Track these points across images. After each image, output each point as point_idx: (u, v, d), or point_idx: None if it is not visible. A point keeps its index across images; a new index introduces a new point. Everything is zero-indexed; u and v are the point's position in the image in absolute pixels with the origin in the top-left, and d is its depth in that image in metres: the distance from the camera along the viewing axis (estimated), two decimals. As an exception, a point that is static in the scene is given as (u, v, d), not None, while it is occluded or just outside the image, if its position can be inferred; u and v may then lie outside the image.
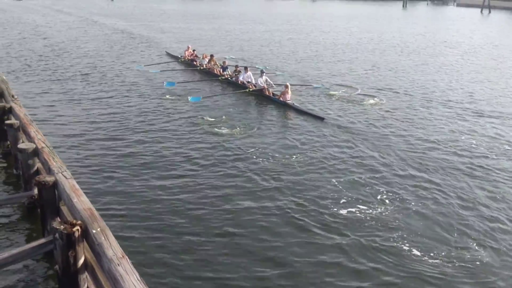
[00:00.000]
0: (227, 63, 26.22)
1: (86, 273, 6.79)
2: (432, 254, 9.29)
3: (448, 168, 13.65)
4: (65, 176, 7.87)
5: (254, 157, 13.95)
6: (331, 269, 8.78)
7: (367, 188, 12.11)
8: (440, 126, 17.82)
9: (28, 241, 8.96)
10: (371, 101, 21.05)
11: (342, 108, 19.91)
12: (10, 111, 12.68)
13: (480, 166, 13.90)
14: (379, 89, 23.65)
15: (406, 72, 29.14)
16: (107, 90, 22.09)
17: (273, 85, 21.79)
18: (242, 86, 22.70)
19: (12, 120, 11.77)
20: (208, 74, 26.60)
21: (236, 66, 24.85)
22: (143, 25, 53.45)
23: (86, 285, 6.81)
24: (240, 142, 15.28)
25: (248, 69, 23.83)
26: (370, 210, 10.90)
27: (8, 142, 12.66)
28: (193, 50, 30.45)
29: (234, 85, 23.64)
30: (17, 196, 10.56)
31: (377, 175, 12.94)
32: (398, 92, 23.13)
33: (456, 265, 8.98)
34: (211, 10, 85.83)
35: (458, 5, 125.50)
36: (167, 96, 21.07)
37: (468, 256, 9.30)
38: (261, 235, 9.78)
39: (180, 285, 8.25)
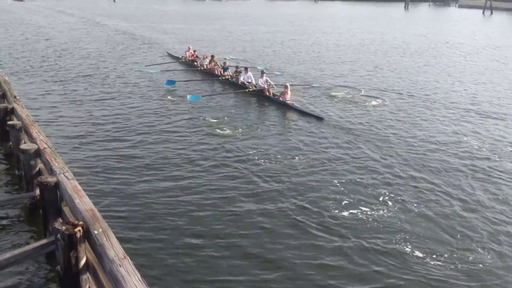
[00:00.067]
0: (227, 63, 26.29)
1: (87, 274, 6.80)
2: (434, 256, 9.26)
3: (451, 170, 13.61)
4: (67, 177, 7.89)
5: (256, 158, 13.94)
6: (333, 271, 8.74)
7: (369, 189, 12.09)
8: (442, 127, 17.78)
9: (30, 241, 8.97)
10: (373, 102, 21.03)
11: (344, 109, 19.90)
12: (12, 112, 12.71)
13: (483, 168, 13.86)
14: (381, 90, 23.63)
15: (409, 73, 29.09)
16: (109, 91, 22.12)
17: (274, 85, 21.84)
18: (242, 86, 22.78)
19: (14, 121, 11.80)
20: (208, 74, 26.69)
21: (237, 67, 24.91)
22: (145, 26, 53.53)
23: (87, 286, 6.81)
24: (240, 143, 15.27)
25: (249, 69, 23.91)
26: (372, 212, 10.88)
27: (10, 143, 12.69)
28: (194, 51, 30.55)
29: (234, 85, 23.72)
30: (19, 196, 10.57)
31: (379, 177, 12.91)
32: (400, 93, 23.10)
33: (459, 267, 8.95)
34: (212, 11, 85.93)
35: (460, 6, 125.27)
36: (169, 97, 21.12)
37: (471, 258, 9.26)
38: (262, 237, 9.76)
39: (181, 286, 8.24)
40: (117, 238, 6.20)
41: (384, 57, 35.92)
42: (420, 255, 9.28)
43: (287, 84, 20.99)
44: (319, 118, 18.30)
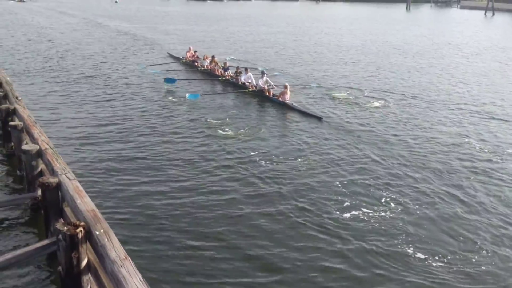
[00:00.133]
0: (228, 64, 26.43)
1: (89, 275, 6.80)
2: (437, 258, 9.24)
3: (453, 171, 13.59)
4: (68, 178, 7.89)
5: (257, 159, 13.94)
6: (334, 274, 8.71)
7: (371, 191, 12.07)
8: (444, 128, 17.76)
9: (31, 242, 8.96)
10: (376, 103, 21.02)
11: (346, 110, 19.90)
12: (14, 112, 12.73)
13: (485, 170, 13.83)
14: (383, 91, 23.62)
15: (411, 74, 29.08)
16: (110, 92, 22.15)
17: (274, 86, 21.93)
18: (242, 87, 22.92)
19: (16, 122, 11.82)
20: (209, 74, 26.86)
21: (237, 68, 25.02)
22: (146, 27, 53.58)
23: (89, 287, 6.81)
24: (240, 144, 15.28)
25: (249, 70, 24.08)
26: (374, 214, 10.86)
27: (12, 143, 12.70)
28: (195, 51, 30.70)
29: (235, 85, 23.88)
30: (20, 197, 10.58)
31: (380, 178, 12.89)
32: (402, 95, 23.08)
33: (461, 269, 8.92)
34: (214, 12, 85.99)
35: (462, 7, 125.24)
36: (170, 98, 21.17)
37: (474, 260, 9.23)
38: (264, 239, 9.72)
39: (182, 287, 8.25)
40: (118, 238, 6.21)
41: (386, 58, 35.91)
42: (422, 256, 9.27)
43: (287, 84, 21.10)
44: (318, 118, 18.43)
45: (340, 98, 22.01)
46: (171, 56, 33.15)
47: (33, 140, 10.46)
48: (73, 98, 20.72)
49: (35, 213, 10.05)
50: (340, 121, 18.14)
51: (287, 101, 20.24)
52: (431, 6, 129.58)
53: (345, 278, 8.61)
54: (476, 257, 9.35)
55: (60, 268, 6.94)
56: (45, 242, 7.69)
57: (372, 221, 10.53)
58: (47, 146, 9.61)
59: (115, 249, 5.85)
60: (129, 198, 11.27)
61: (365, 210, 11.00)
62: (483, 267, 9.04)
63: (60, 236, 6.49)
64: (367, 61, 34.14)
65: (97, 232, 6.23)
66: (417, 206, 11.30)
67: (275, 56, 35.27)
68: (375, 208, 11.13)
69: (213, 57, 27.76)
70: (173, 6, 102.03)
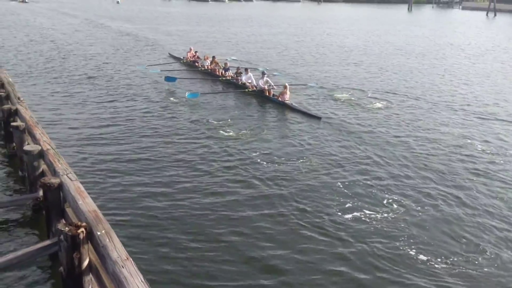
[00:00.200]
0: (228, 64, 26.59)
1: (90, 275, 6.80)
2: (439, 260, 9.24)
3: (455, 173, 13.58)
4: (70, 178, 7.90)
5: (258, 160, 13.94)
6: (336, 277, 8.68)
7: (373, 192, 12.07)
8: (446, 130, 17.75)
9: (33, 242, 8.97)
10: (378, 104, 21.02)
11: (347, 111, 19.91)
12: (16, 113, 12.74)
13: (488, 171, 13.82)
14: (385, 92, 23.62)
15: (413, 75, 29.05)
16: (112, 93, 22.17)
17: (274, 86, 22.03)
18: (242, 87, 23.08)
19: (18, 122, 11.84)
20: (209, 74, 27.00)
21: (238, 68, 25.16)
22: (148, 28, 53.58)
23: (90, 287, 6.81)
24: (241, 145, 15.28)
25: (249, 70, 24.25)
26: (376, 215, 10.86)
27: (14, 144, 12.72)
28: (195, 52, 30.84)
29: (235, 85, 24.03)
30: (22, 198, 10.60)
31: (382, 179, 12.90)
32: (405, 96, 23.07)
33: (463, 272, 8.91)
34: (216, 13, 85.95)
35: (464, 8, 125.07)
36: (171, 99, 21.19)
37: (476, 263, 9.22)
38: (265, 241, 9.69)
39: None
40: (119, 239, 6.21)
41: (388, 59, 35.89)
42: (424, 258, 9.26)
43: (286, 84, 21.25)
44: (317, 118, 18.56)
45: (342, 99, 22.02)
46: (172, 56, 33.25)
47: (35, 140, 10.47)
48: (75, 99, 20.74)
49: (37, 214, 10.06)
50: (342, 122, 18.14)
51: (287, 101, 20.39)
52: (432, 7, 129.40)
53: (347, 281, 8.59)
54: (478, 260, 9.34)
55: (61, 268, 6.95)
56: (47, 242, 7.70)
57: (374, 222, 10.52)
58: (49, 147, 9.62)
59: (117, 250, 5.85)
60: (131, 199, 11.28)
61: (367, 211, 10.99)
62: (485, 269, 9.03)
63: (61, 237, 6.50)
64: (369, 62, 34.12)
65: (99, 233, 6.24)
66: (419, 208, 11.30)
67: (277, 57, 35.26)
68: (377, 209, 11.12)
69: (213, 57, 27.92)
70: (175, 7, 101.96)
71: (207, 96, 21.68)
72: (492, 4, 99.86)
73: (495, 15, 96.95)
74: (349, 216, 10.78)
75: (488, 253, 9.56)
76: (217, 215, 10.69)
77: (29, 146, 10.06)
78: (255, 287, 8.37)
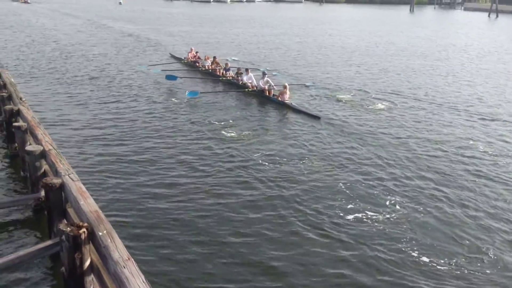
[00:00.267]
0: (229, 65, 26.74)
1: (92, 275, 6.81)
2: (442, 261, 9.20)
3: (458, 174, 13.54)
4: (72, 179, 7.91)
5: (260, 161, 13.93)
6: (338, 279, 8.64)
7: (374, 194, 12.04)
8: (449, 131, 17.71)
9: (34, 243, 8.98)
10: (379, 105, 21.00)
11: (349, 112, 19.90)
12: (18, 113, 12.77)
13: (491, 173, 13.76)
14: (387, 93, 23.59)
15: (415, 76, 29.02)
16: (114, 93, 22.19)
17: (274, 86, 22.13)
18: (242, 86, 23.22)
19: (20, 123, 11.85)
20: (210, 74, 27.18)
21: (238, 69, 25.30)
22: (150, 29, 53.65)
23: (92, 287, 6.82)
24: (242, 146, 15.26)
25: (249, 70, 24.38)
26: (378, 217, 10.82)
27: (16, 144, 12.74)
28: (196, 52, 31.02)
29: (235, 85, 24.19)
30: (24, 198, 10.61)
31: (384, 181, 12.86)
32: (407, 97, 23.03)
33: (466, 274, 8.87)
34: (218, 14, 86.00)
35: (465, 9, 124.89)
36: (173, 99, 21.24)
37: (479, 265, 9.18)
38: (266, 244, 9.64)
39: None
40: (121, 239, 6.21)
41: (391, 60, 35.87)
42: (427, 260, 9.23)
43: (286, 84, 21.41)
44: (316, 117, 18.66)
45: (343, 99, 22.01)
46: (173, 57, 33.42)
47: (37, 141, 10.49)
48: (76, 99, 20.77)
49: (38, 214, 10.07)
50: (344, 123, 18.13)
51: (286, 101, 20.57)
52: (434, 8, 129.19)
53: (349, 283, 8.55)
54: (481, 262, 9.30)
55: (63, 269, 6.95)
56: (48, 243, 7.69)
57: (376, 224, 10.49)
58: (50, 147, 9.63)
59: (118, 250, 5.85)
60: (132, 199, 11.29)
61: (369, 213, 10.96)
62: (488, 271, 8.99)
63: (63, 237, 6.50)
64: (371, 62, 34.10)
65: (100, 233, 6.24)
66: (421, 209, 11.27)
67: (279, 57, 35.27)
68: (379, 211, 11.08)
69: (214, 57, 28.17)
70: (177, 7, 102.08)
71: (207, 96, 21.75)
72: (494, 5, 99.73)
73: (497, 16, 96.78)
74: (351, 218, 10.75)
75: (491, 255, 9.52)
76: (219, 216, 10.68)
77: (31, 147, 10.08)
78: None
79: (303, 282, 8.52)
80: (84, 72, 27.07)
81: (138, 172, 12.92)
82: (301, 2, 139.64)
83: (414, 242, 9.85)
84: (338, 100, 21.88)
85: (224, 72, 26.01)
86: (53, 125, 16.61)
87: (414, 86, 25.75)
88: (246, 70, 24.21)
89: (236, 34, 50.74)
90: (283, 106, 20.45)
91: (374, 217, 10.78)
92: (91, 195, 7.41)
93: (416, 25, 72.43)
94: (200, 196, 11.57)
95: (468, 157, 15.00)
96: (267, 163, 13.76)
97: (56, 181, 8.00)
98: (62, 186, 7.96)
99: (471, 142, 16.43)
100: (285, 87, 20.92)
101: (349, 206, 11.26)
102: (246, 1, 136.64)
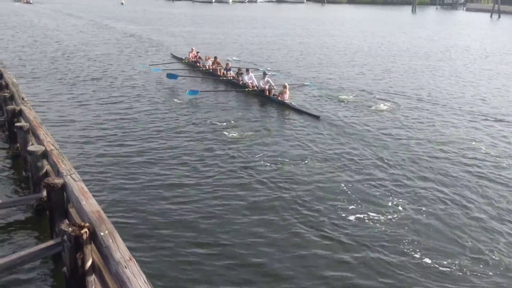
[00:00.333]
0: (230, 65, 26.87)
1: (93, 276, 6.81)
2: (445, 263, 9.17)
3: (460, 176, 13.50)
4: (73, 179, 7.91)
5: (261, 162, 13.91)
6: (339, 281, 8.62)
7: (376, 195, 12.01)
8: (451, 132, 17.68)
9: (36, 243, 8.99)
10: (381, 106, 20.97)
11: (351, 112, 19.88)
12: (20, 113, 12.79)
13: (494, 174, 13.71)
14: (390, 94, 23.57)
15: (418, 77, 28.96)
16: (116, 94, 22.21)
17: (274, 87, 22.19)
18: (243, 86, 23.36)
19: (22, 123, 11.87)
20: (211, 74, 27.33)
21: (239, 69, 25.41)
22: (152, 29, 53.70)
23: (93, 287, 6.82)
24: (244, 147, 15.28)
25: (250, 70, 24.52)
26: (379, 219, 10.79)
27: (18, 144, 12.75)
28: (197, 52, 31.14)
29: (235, 85, 24.33)
30: (26, 198, 10.62)
31: (386, 182, 12.84)
32: (409, 97, 23.00)
33: (468, 275, 8.85)
34: (220, 14, 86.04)
35: (468, 9, 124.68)
36: (175, 100, 21.28)
37: (481, 267, 9.15)
38: (266, 246, 9.61)
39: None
40: (123, 239, 6.21)
41: (393, 60, 35.84)
42: (429, 261, 9.20)
43: (286, 84, 21.55)
44: (315, 117, 18.80)
45: (346, 100, 21.99)
46: (174, 57, 33.57)
47: (39, 141, 10.50)
48: (78, 100, 20.80)
49: (40, 214, 10.07)
50: (346, 123, 18.10)
51: (286, 100, 20.70)
52: (436, 8, 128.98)
53: (351, 285, 8.53)
54: (483, 264, 9.27)
55: (64, 269, 6.96)
56: (50, 243, 7.70)
57: (378, 225, 10.46)
58: (52, 147, 9.64)
59: (120, 250, 5.86)
60: (134, 200, 11.29)
61: (371, 214, 10.93)
62: (490, 273, 8.96)
63: (65, 237, 6.51)
64: (374, 63, 34.06)
65: (102, 233, 6.24)
66: (424, 210, 11.24)
67: (282, 58, 35.25)
68: (381, 212, 11.05)
69: (215, 58, 28.32)
70: (179, 8, 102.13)
71: (208, 96, 21.86)
72: (496, 5, 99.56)
73: (499, 16, 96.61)
74: (352, 219, 10.71)
75: (493, 257, 9.48)
76: (220, 217, 10.67)
77: (33, 147, 10.09)
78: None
79: (305, 284, 8.49)
80: (86, 73, 27.11)
81: (140, 173, 12.92)
82: (303, 2, 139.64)
83: (416, 243, 9.82)
84: (341, 101, 21.88)
85: (225, 72, 26.15)
86: (55, 125, 16.63)
87: (416, 87, 25.71)
88: (247, 70, 24.31)
89: (238, 35, 50.75)
90: (283, 106, 20.57)
91: (376, 218, 10.75)
92: (93, 195, 7.41)
93: (418, 26, 72.35)
94: (202, 197, 11.57)
95: (470, 158, 14.96)
96: (268, 164, 13.75)
97: (58, 181, 8.01)
98: (64, 186, 7.97)
99: (474, 143, 16.39)
100: (285, 86, 21.07)
101: (350, 208, 11.24)
102: (248, 1, 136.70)
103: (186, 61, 30.63)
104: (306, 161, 14.06)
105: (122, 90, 22.87)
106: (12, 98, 14.38)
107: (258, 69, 27.78)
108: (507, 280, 8.79)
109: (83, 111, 19.01)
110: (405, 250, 9.55)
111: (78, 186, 7.60)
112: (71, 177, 8.00)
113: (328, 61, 34.46)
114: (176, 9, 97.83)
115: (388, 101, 21.95)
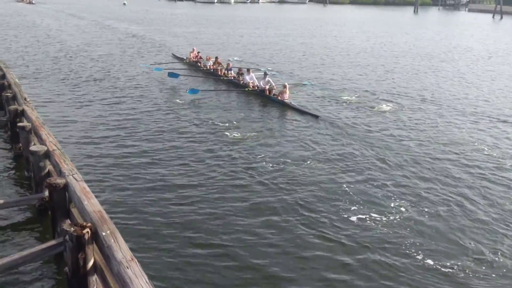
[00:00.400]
0: (231, 65, 26.98)
1: (95, 276, 6.80)
2: (447, 265, 9.14)
3: (463, 177, 13.47)
4: (75, 179, 7.91)
5: (263, 163, 13.89)
6: (339, 283, 8.58)
7: (378, 197, 11.98)
8: (454, 133, 17.64)
9: (38, 243, 8.98)
10: (383, 106, 20.95)
11: (352, 112, 19.86)
12: (22, 113, 12.80)
13: (496, 176, 13.67)
14: (392, 94, 23.54)
15: (420, 78, 28.93)
16: (118, 94, 22.23)
17: (275, 87, 22.26)
18: (243, 86, 23.48)
19: (24, 123, 11.88)
20: (211, 74, 27.43)
21: (240, 69, 25.52)
22: (154, 29, 53.74)
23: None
24: (245, 147, 15.26)
25: (251, 70, 24.65)
26: (381, 220, 10.77)
27: (20, 144, 12.76)
28: (198, 52, 31.25)
29: (235, 84, 24.46)
30: (28, 198, 10.63)
31: (388, 183, 12.81)
32: (412, 98, 22.97)
33: (470, 277, 8.82)
34: (222, 15, 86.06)
35: (470, 10, 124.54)
36: (176, 100, 21.30)
37: (484, 269, 9.12)
38: (267, 247, 9.58)
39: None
40: (124, 239, 6.20)
41: (396, 61, 35.80)
42: (431, 263, 9.17)
43: (286, 83, 21.66)
44: (315, 116, 18.90)
45: (348, 100, 21.98)
46: (175, 57, 33.68)
47: (41, 141, 10.50)
48: (81, 100, 20.82)
49: (42, 214, 10.07)
50: (348, 124, 18.08)
51: (286, 100, 20.81)
52: (439, 9, 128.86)
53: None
54: (486, 266, 9.24)
55: (66, 268, 6.95)
56: (52, 242, 7.70)
57: (379, 227, 10.43)
58: (54, 147, 9.64)
59: (122, 250, 5.85)
60: (136, 200, 11.29)
61: (372, 215, 10.91)
62: (493, 275, 8.93)
63: (67, 237, 6.50)
64: (376, 63, 34.03)
65: (104, 233, 6.24)
66: (426, 211, 11.21)
67: (284, 58, 35.25)
68: (383, 214, 11.03)
69: (216, 58, 28.38)
70: (181, 8, 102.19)
71: (209, 95, 21.98)
72: (499, 6, 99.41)
73: (501, 17, 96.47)
74: (354, 220, 10.68)
75: (496, 259, 9.45)
76: (221, 218, 10.65)
77: (35, 147, 10.09)
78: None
79: (306, 286, 8.47)
80: (88, 73, 27.14)
81: (142, 173, 12.92)
82: (305, 3, 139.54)
83: (418, 245, 9.79)
84: (343, 101, 21.87)
85: (226, 72, 26.23)
86: (57, 125, 16.64)
87: (419, 88, 25.67)
88: (248, 70, 24.45)
89: (240, 35, 50.75)
90: (283, 106, 20.68)
91: (378, 220, 10.73)
92: (95, 195, 7.41)
93: (421, 26, 72.27)
94: (204, 198, 11.56)
95: (473, 159, 14.92)
96: (270, 165, 13.73)
97: (60, 181, 8.01)
98: (66, 186, 7.97)
99: (477, 144, 16.35)
100: (284, 86, 21.20)
101: (352, 209, 11.22)
102: (250, 2, 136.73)
103: (187, 61, 30.75)
104: (308, 162, 14.04)
105: (124, 91, 22.89)
106: (14, 98, 14.40)
107: (259, 69, 27.84)
108: (511, 282, 8.75)
109: (85, 111, 19.03)
110: (408, 252, 9.52)
111: (80, 186, 7.60)
112: (73, 177, 8.00)
113: (331, 62, 34.45)
114: (178, 9, 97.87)
115: (391, 101, 21.92)
